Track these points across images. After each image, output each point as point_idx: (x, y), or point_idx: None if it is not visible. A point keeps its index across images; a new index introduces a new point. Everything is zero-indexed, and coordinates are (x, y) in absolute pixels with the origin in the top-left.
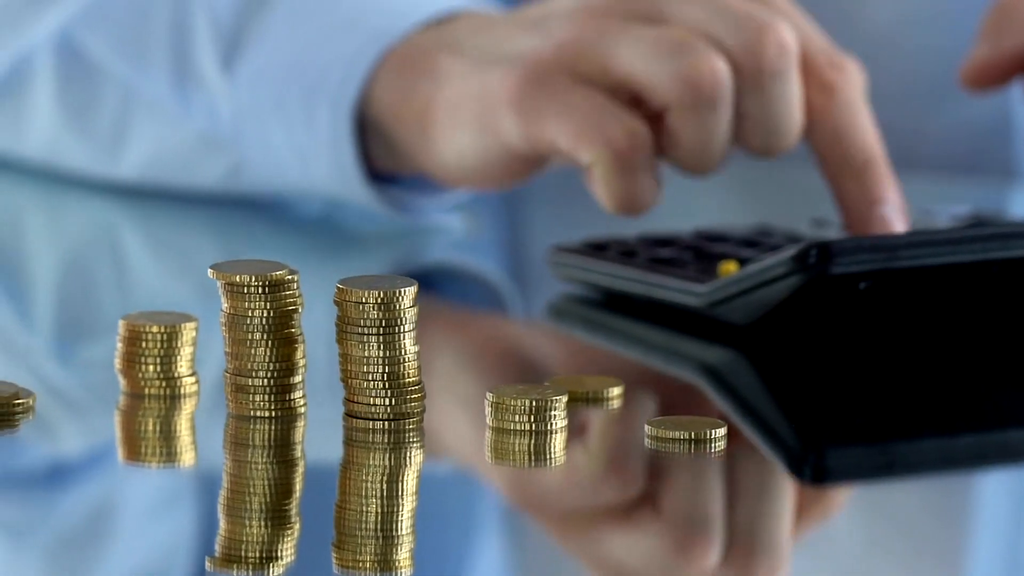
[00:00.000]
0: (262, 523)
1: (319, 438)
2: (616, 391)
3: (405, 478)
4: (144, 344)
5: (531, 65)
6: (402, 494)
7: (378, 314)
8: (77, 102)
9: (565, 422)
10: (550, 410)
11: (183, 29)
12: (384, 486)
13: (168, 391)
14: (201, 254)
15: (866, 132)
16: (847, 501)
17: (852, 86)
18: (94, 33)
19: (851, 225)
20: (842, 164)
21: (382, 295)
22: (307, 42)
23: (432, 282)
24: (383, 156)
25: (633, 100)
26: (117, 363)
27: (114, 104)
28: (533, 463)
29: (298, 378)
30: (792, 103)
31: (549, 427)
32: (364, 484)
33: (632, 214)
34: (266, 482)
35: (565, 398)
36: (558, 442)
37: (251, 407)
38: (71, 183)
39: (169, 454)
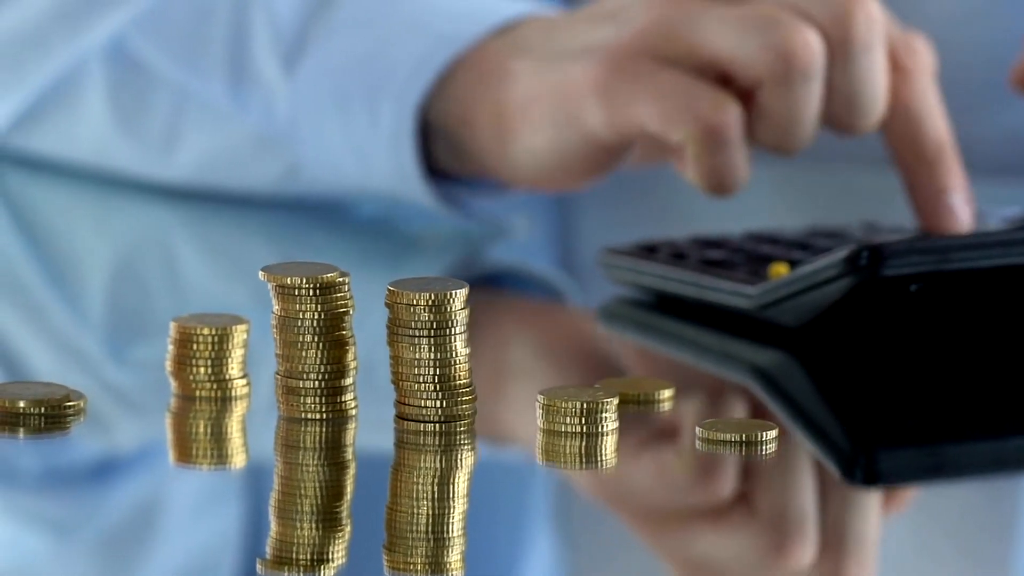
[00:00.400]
0: (313, 525)
1: (370, 440)
2: (667, 393)
3: (456, 480)
4: (195, 346)
5: (613, 53)
6: (453, 496)
7: (429, 316)
8: (128, 106)
9: (616, 424)
10: (601, 412)
11: (241, 31)
12: (435, 488)
13: (219, 393)
14: (254, 256)
15: (938, 118)
16: (897, 503)
17: (926, 70)
18: (148, 39)
19: (920, 213)
20: (915, 150)
21: (433, 297)
22: (372, 42)
23: (485, 284)
24: (444, 159)
25: (720, 80)
26: (168, 365)
27: (167, 107)
28: (584, 465)
29: (349, 380)
30: (879, 77)
31: (600, 429)
32: (415, 486)
33: (725, 193)
34: (317, 484)
35: (616, 400)
36: (609, 444)
37: (302, 409)
38: (123, 185)
39: (220, 456)
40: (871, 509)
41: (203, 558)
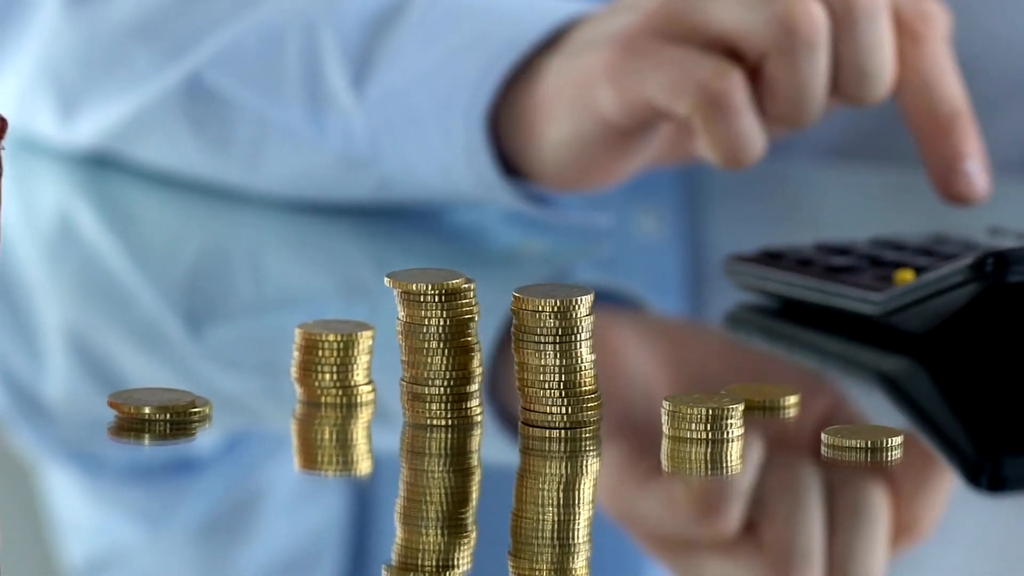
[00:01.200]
0: (439, 531)
1: (495, 447)
2: (792, 400)
3: (581, 486)
4: (321, 352)
5: (623, 36)
6: (579, 503)
7: (554, 323)
8: (212, 137)
9: (741, 431)
10: (726, 419)
11: (313, 55)
12: (560, 495)
13: (344, 399)
14: (352, 261)
15: (952, 84)
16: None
17: (939, 37)
18: (224, 74)
19: (934, 180)
20: (928, 117)
21: (558, 304)
22: (436, 57)
23: (606, 290)
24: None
25: (729, 55)
26: (293, 371)
27: (249, 135)
28: (709, 472)
29: (474, 387)
30: (885, 47)
31: (725, 436)
32: (541, 492)
33: (738, 165)
34: (442, 490)
35: (741, 406)
36: (734, 451)
37: (427, 415)
38: (225, 196)
39: (345, 463)
40: (996, 514)
41: (335, 565)
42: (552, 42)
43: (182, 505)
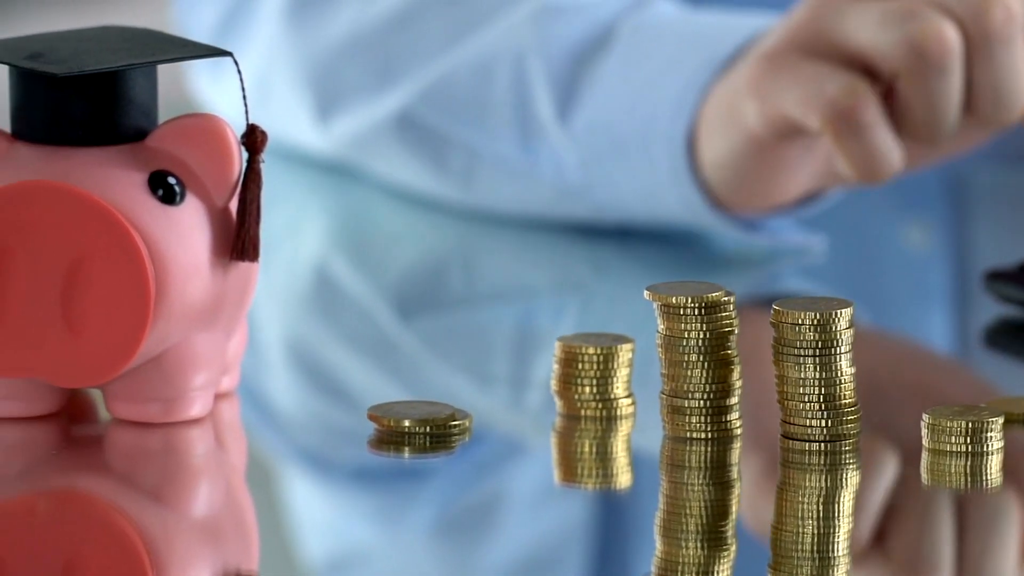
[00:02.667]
0: (698, 544)
1: (755, 459)
2: None
3: (841, 499)
4: (580, 365)
5: (768, 53)
6: (838, 515)
7: (814, 335)
8: (427, 162)
9: (1001, 444)
10: (986, 432)
11: (523, 86)
12: (820, 507)
13: (604, 412)
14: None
15: None
16: None
17: None
18: (435, 109)
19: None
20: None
21: (818, 317)
22: (637, 86)
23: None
24: None
25: (866, 72)
26: (553, 384)
27: (461, 165)
28: (968, 485)
29: (734, 399)
30: (1018, 70)
31: (985, 449)
32: (800, 505)
33: (874, 179)
34: (702, 503)
35: (1001, 420)
36: (994, 464)
37: (687, 428)
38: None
39: (605, 475)
40: None
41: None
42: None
43: (416, 507)
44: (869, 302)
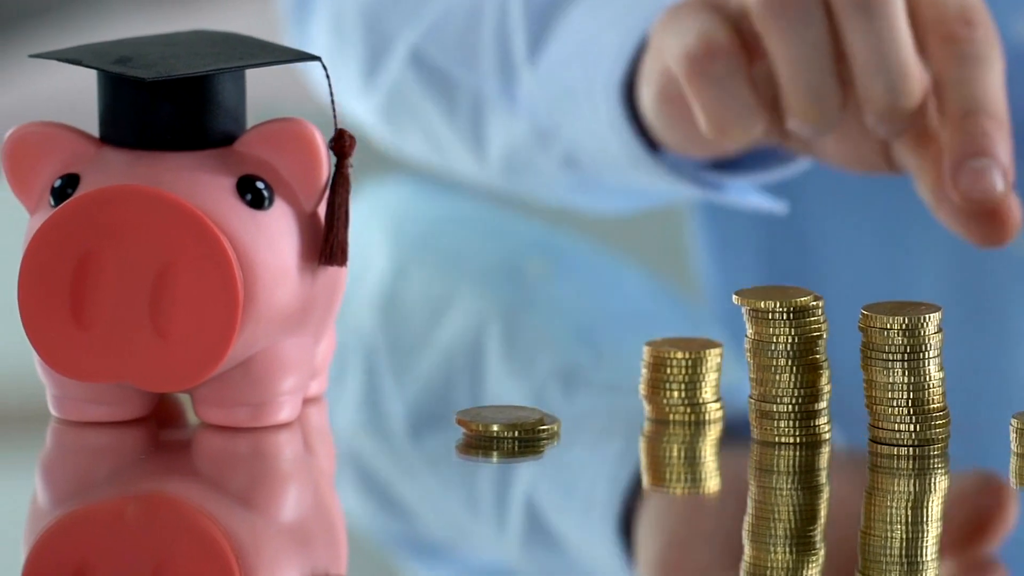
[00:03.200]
0: (787, 549)
1: (843, 464)
2: None
3: (930, 504)
4: (669, 370)
5: (673, 5)
6: (927, 520)
7: (903, 340)
8: (444, 108)
9: None
10: None
11: (505, 28)
12: (909, 512)
13: (692, 417)
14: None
15: (976, 84)
16: None
17: (979, 40)
18: (437, 47)
19: (944, 174)
20: (946, 111)
21: (907, 321)
22: (592, 31)
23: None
24: None
25: (748, 33)
26: (642, 389)
27: (468, 110)
28: None
29: (822, 404)
30: (897, 40)
31: None
32: (889, 510)
33: (726, 135)
34: (791, 508)
35: None
36: None
37: (776, 433)
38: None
39: (694, 480)
40: None
41: None
42: None
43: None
44: (962, 303)
